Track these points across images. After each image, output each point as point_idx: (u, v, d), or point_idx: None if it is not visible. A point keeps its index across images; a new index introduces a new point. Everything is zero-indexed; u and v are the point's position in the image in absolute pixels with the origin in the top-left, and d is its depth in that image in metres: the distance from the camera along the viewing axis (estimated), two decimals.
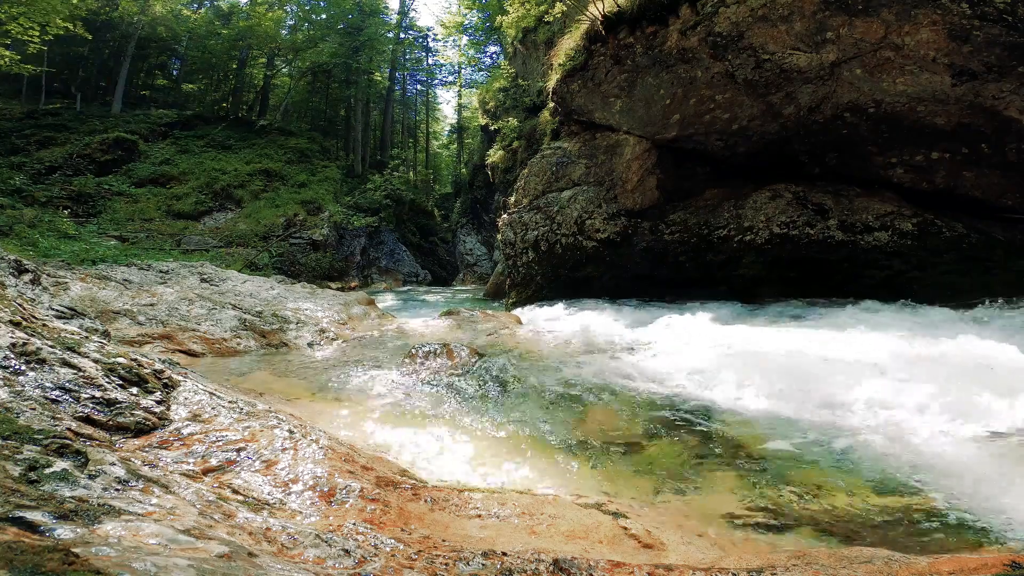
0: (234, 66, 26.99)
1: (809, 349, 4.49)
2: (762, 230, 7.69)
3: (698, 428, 3.18)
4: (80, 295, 5.59)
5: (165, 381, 2.18)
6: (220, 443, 1.88)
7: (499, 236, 11.00)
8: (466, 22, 29.98)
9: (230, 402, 2.28)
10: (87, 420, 1.68)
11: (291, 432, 2.10)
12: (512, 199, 10.60)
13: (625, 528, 1.92)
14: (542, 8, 11.67)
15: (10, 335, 1.82)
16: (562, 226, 9.21)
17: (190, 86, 28.27)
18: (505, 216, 10.30)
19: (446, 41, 34.18)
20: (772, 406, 3.41)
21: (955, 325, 4.98)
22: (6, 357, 1.71)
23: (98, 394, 1.81)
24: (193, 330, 5.34)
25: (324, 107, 30.01)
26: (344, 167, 24.49)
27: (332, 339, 6.01)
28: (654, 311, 7.31)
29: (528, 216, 9.68)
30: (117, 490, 1.29)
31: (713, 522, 2.16)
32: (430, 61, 36.11)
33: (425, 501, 1.90)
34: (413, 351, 4.69)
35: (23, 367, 1.72)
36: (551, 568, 1.38)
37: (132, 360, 2.16)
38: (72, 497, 1.15)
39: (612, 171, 9.09)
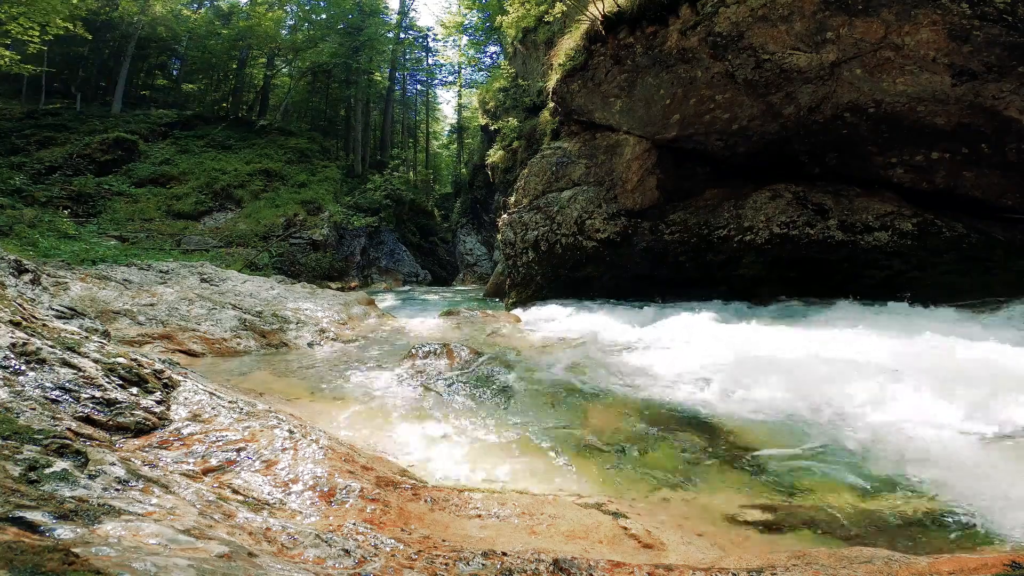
0: (234, 66, 26.99)
1: (809, 349, 4.48)
2: (762, 230, 7.69)
3: (698, 428, 3.18)
4: (80, 295, 5.59)
5: (165, 381, 2.18)
6: (220, 443, 1.88)
7: (499, 236, 11.00)
8: (466, 22, 30.00)
9: (230, 402, 2.28)
10: (87, 420, 1.68)
11: (291, 432, 2.10)
12: (512, 199, 10.60)
13: (625, 528, 1.92)
14: (542, 8, 11.68)
15: (10, 335, 1.82)
16: (562, 226, 9.21)
17: (190, 86, 28.28)
18: (505, 216, 10.30)
19: (446, 41, 34.23)
20: (772, 406, 3.41)
21: (955, 325, 4.98)
22: (6, 357, 1.71)
23: (98, 394, 1.81)
24: (193, 330, 5.34)
25: (324, 107, 30.01)
26: (344, 167, 24.50)
27: (332, 339, 6.01)
28: (654, 311, 7.31)
29: (528, 216, 9.68)
30: (117, 490, 1.29)
31: (713, 522, 2.16)
32: (430, 61, 36.16)
33: (425, 501, 1.90)
34: (413, 351, 4.69)
35: (23, 367, 1.72)
36: (551, 568, 1.38)
37: (132, 360, 2.16)
38: (72, 497, 1.15)
39: (612, 171, 9.09)
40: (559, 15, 10.28)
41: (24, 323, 2.05)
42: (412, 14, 33.34)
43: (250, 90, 28.89)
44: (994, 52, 5.48)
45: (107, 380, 1.92)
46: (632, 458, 2.80)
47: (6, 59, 14.29)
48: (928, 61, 5.86)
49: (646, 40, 7.62)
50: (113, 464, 1.40)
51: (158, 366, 2.29)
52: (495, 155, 16.80)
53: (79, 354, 1.98)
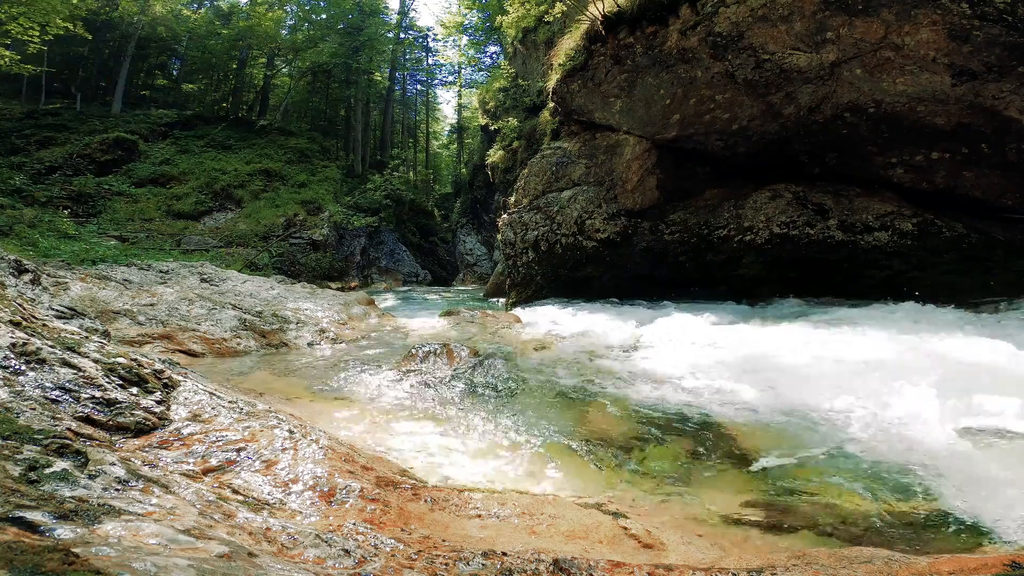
0: (234, 66, 26.99)
1: (809, 349, 4.49)
2: (762, 230, 7.69)
3: (698, 428, 3.18)
4: (80, 295, 5.59)
5: (165, 381, 2.18)
6: (220, 443, 1.88)
7: (499, 236, 11.00)
8: (466, 22, 30.01)
9: (230, 402, 2.28)
10: (87, 420, 1.68)
11: (291, 432, 2.09)
12: (512, 199, 10.60)
13: (625, 528, 1.92)
14: (542, 8, 11.68)
15: (10, 335, 1.82)
16: (562, 226, 9.21)
17: (190, 86, 28.28)
18: (505, 216, 10.30)
19: (446, 41, 34.24)
20: (772, 406, 3.41)
21: (955, 325, 4.98)
22: (6, 357, 1.71)
23: (98, 394, 1.81)
24: (193, 330, 5.34)
25: (324, 107, 30.02)
26: (344, 167, 24.50)
27: (332, 339, 6.01)
28: (654, 311, 7.31)
29: (528, 216, 9.68)
30: (117, 490, 1.29)
31: (713, 522, 2.16)
32: (430, 61, 36.16)
33: (425, 501, 1.90)
34: (413, 351, 4.69)
35: (23, 367, 1.71)
36: (551, 568, 1.38)
37: (132, 360, 2.16)
38: (72, 497, 1.15)
39: (612, 171, 9.09)
40: (559, 15, 10.28)
41: (24, 323, 2.05)
42: (412, 14, 33.38)
43: (250, 90, 28.89)
44: (994, 52, 5.48)
45: (107, 380, 1.92)
46: (632, 458, 2.80)
47: (6, 59, 14.29)
48: (928, 61, 5.86)
49: (646, 40, 7.62)
50: (113, 464, 1.40)
51: (158, 366, 2.29)
52: (495, 155, 16.80)
53: (79, 354, 1.98)
